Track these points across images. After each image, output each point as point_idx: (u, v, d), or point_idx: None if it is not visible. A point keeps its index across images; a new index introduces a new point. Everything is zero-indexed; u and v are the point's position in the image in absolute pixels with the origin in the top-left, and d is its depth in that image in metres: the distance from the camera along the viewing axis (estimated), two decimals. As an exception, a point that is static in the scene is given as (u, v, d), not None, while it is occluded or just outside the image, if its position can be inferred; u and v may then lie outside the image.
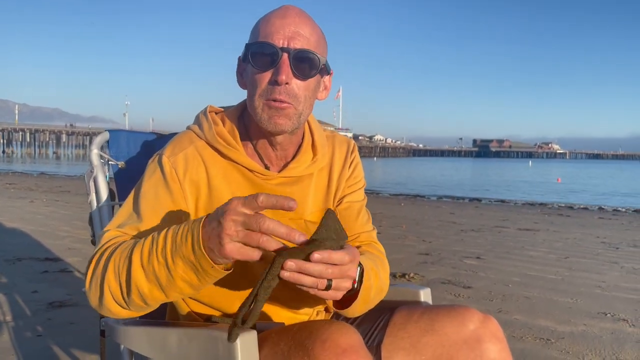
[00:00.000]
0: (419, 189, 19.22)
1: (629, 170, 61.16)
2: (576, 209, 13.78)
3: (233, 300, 1.18)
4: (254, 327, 1.17)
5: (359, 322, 1.35)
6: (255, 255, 0.87)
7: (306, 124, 1.26)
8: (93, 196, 1.47)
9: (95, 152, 1.49)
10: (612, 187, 27.08)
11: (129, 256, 0.96)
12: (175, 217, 1.11)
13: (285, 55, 1.06)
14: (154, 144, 1.61)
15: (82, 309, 3.23)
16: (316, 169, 1.24)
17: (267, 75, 1.08)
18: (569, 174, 46.15)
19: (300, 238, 0.86)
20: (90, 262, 1.06)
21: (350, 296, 1.06)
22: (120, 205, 1.50)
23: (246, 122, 1.21)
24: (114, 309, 1.02)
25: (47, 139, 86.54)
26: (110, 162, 1.52)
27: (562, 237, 7.35)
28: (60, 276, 4.07)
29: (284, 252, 0.88)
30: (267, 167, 1.20)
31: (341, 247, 0.94)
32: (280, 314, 1.24)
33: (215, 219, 0.88)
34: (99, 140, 1.52)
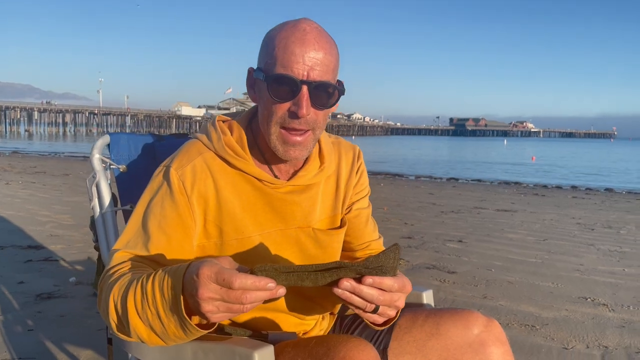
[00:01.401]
0: (397, 168, 19.39)
1: (600, 149, 62.52)
2: (550, 188, 14.09)
3: None
4: (266, 339, 1.19)
5: (364, 325, 1.37)
6: (244, 312, 0.88)
7: None
8: (96, 202, 1.45)
9: (97, 156, 1.46)
10: (584, 165, 27.70)
11: (125, 300, 0.96)
12: (181, 234, 1.11)
13: (305, 87, 1.05)
14: (154, 146, 1.60)
15: (71, 300, 3.20)
16: (324, 176, 1.25)
17: (286, 106, 1.07)
18: (543, 152, 46.97)
19: (284, 291, 0.87)
20: (99, 285, 1.07)
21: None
22: (123, 211, 1.50)
23: (254, 131, 1.21)
24: (123, 337, 1.03)
25: (19, 117, 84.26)
26: (112, 166, 1.50)
27: (539, 219, 7.51)
28: (46, 265, 4.01)
29: (338, 269, 0.89)
30: (275, 176, 1.20)
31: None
32: (288, 321, 1.25)
33: (190, 287, 0.87)
34: (99, 144, 1.50)
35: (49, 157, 18.99)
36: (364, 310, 0.96)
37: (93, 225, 1.50)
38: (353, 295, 0.92)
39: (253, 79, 1.15)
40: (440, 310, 1.31)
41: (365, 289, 0.92)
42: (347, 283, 0.90)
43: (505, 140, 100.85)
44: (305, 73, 1.05)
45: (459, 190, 12.02)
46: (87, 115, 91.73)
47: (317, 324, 1.33)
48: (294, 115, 1.07)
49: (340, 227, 1.29)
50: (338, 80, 1.14)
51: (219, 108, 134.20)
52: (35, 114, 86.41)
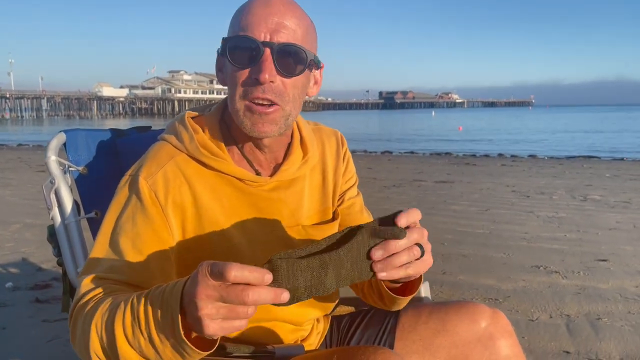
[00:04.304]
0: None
1: (520, 117, 65.93)
2: (479, 157, 14.67)
3: None
4: (273, 356, 1.09)
5: (365, 326, 1.31)
6: (243, 324, 0.74)
7: None
8: (56, 210, 1.27)
9: (53, 159, 1.28)
10: (507, 133, 29.06)
11: (112, 326, 0.82)
12: (159, 251, 0.99)
13: (268, 50, 0.95)
14: (114, 143, 1.43)
15: (12, 309, 2.92)
16: (308, 168, 1.16)
17: (247, 73, 0.96)
18: (468, 122, 48.83)
19: (287, 296, 0.75)
20: (70, 315, 0.92)
21: (411, 282, 1.05)
22: (87, 220, 1.33)
23: (228, 124, 1.09)
24: None
25: None
26: (70, 169, 1.32)
27: (476, 189, 7.76)
28: (-27, 270, 3.65)
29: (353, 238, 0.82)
30: (257, 172, 1.09)
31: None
32: (284, 328, 1.16)
33: (190, 294, 0.74)
34: (55, 144, 1.30)
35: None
36: (415, 260, 0.88)
37: (52, 237, 1.32)
38: (393, 265, 0.85)
39: (221, 60, 1.05)
40: (444, 305, 1.26)
41: (394, 242, 0.84)
42: (379, 251, 0.83)
43: (433, 112, 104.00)
44: (268, 35, 0.95)
45: (395, 164, 12.23)
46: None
47: (314, 328, 1.26)
48: (255, 82, 0.95)
49: (333, 220, 1.20)
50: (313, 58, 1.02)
51: (143, 88, 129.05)
52: None
